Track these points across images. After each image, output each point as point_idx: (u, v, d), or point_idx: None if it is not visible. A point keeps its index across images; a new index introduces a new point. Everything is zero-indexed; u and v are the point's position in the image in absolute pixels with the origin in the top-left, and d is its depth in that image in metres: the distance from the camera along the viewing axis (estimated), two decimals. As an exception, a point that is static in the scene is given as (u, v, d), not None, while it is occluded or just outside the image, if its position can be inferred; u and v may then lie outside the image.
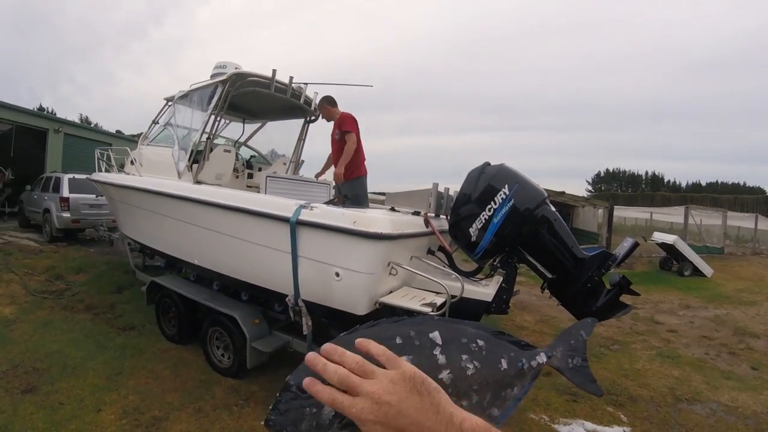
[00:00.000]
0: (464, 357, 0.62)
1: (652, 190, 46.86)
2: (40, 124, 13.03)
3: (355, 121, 3.92)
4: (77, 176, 8.85)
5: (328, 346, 0.49)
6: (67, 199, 8.55)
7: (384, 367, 0.47)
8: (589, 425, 3.17)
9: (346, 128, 3.86)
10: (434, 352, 0.61)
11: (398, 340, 0.61)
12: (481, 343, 0.65)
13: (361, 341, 0.50)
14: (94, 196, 8.35)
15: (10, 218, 11.43)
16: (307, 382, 0.47)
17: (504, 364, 0.65)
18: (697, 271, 10.31)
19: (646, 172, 55.76)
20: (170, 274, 4.43)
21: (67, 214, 8.52)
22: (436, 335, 0.62)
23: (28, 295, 5.17)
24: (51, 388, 3.06)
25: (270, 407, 0.56)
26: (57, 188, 8.82)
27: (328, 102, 4.08)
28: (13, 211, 11.47)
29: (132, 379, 3.30)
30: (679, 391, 3.75)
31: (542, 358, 0.69)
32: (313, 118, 4.96)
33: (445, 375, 0.59)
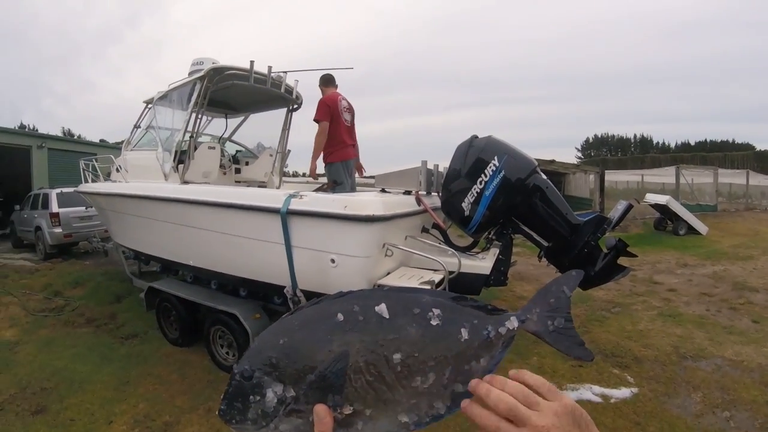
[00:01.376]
0: (416, 330, 0.56)
1: (641, 152, 46.69)
2: (22, 142, 12.82)
3: (329, 106, 3.72)
4: (65, 190, 8.72)
5: (489, 377, 0.51)
6: (57, 215, 8.44)
7: (544, 398, 0.48)
8: (597, 389, 3.20)
9: (315, 117, 3.72)
10: (381, 327, 0.55)
11: (340, 317, 0.56)
12: (436, 312, 0.57)
13: (516, 373, 0.51)
14: (83, 208, 8.23)
15: (3, 240, 11.29)
16: (466, 405, 0.50)
17: (465, 334, 0.57)
18: (692, 230, 10.37)
19: (635, 136, 55.52)
20: (167, 278, 4.40)
21: (58, 230, 8.42)
22: (382, 308, 0.57)
23: (28, 315, 5.12)
24: (60, 406, 3.05)
25: (221, 397, 0.54)
26: (46, 204, 8.70)
27: (321, 81, 3.94)
28: (5, 232, 11.33)
29: (140, 387, 3.30)
30: (683, 349, 3.79)
31: (513, 323, 0.59)
32: (295, 106, 4.89)
33: (395, 354, 0.53)
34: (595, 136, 56.84)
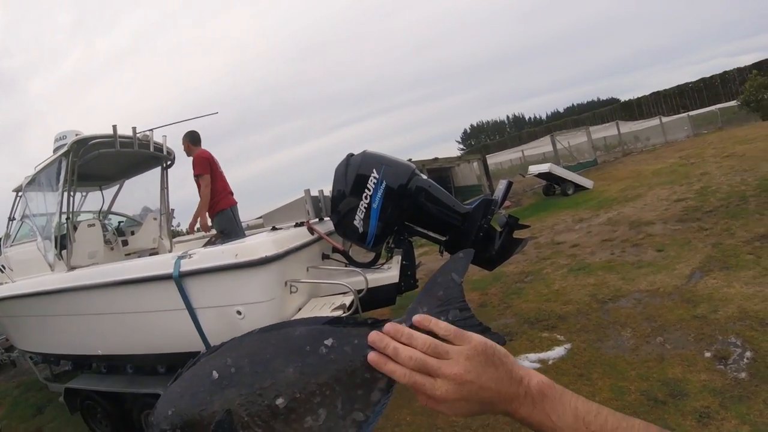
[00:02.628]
0: (293, 368, 0.53)
1: (517, 131, 50.22)
2: None
3: (207, 159, 3.87)
4: None
5: (391, 326, 0.49)
6: (-51, 335, 7.39)
7: (452, 344, 0.47)
8: (533, 356, 3.32)
9: (196, 172, 3.83)
10: (255, 376, 0.53)
11: (215, 375, 0.54)
12: (311, 344, 0.54)
13: (421, 318, 0.50)
14: None
15: None
16: (374, 358, 0.48)
17: (348, 357, 0.53)
18: (579, 188, 11.01)
19: (508, 117, 60.07)
20: (82, 375, 4.02)
21: (-44, 350, 7.38)
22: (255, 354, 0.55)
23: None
24: None
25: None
26: (-66, 326, 7.58)
27: (188, 139, 4.00)
28: None
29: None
30: (600, 295, 3.99)
31: None
32: (168, 163, 4.70)
33: (277, 399, 0.51)
34: (472, 125, 60.70)
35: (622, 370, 2.80)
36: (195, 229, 3.80)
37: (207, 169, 3.80)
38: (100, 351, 3.26)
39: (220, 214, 3.82)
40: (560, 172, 11.11)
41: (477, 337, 0.48)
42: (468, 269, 0.63)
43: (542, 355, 3.32)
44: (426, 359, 0.46)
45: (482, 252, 2.86)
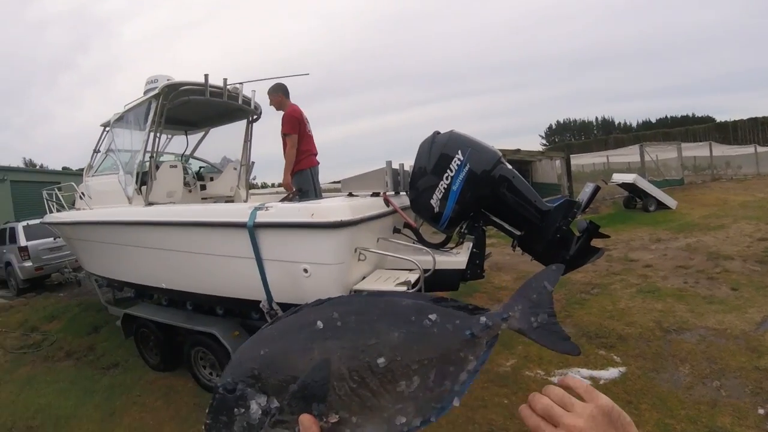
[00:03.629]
0: (397, 333, 0.55)
1: (604, 134, 47.49)
2: (-18, 176, 12.36)
3: (295, 117, 3.78)
4: (31, 222, 8.44)
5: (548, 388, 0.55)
6: (25, 248, 8.17)
7: (582, 399, 0.51)
8: (585, 371, 3.21)
9: (283, 131, 3.76)
10: (361, 333, 0.55)
11: (319, 325, 0.55)
12: (417, 315, 0.57)
13: (562, 379, 0.55)
14: (52, 239, 8.00)
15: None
16: (521, 408, 0.54)
17: (448, 335, 0.57)
18: (661, 205, 10.52)
19: (596, 118, 56.57)
20: (142, 303, 4.30)
21: (29, 264, 8.16)
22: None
23: (6, 354, 4.96)
24: None
25: (206, 411, 0.54)
26: (13, 239, 8.41)
27: (282, 91, 3.92)
28: None
29: (126, 416, 3.22)
30: (665, 323, 3.81)
31: (496, 321, 0.59)
32: (255, 117, 4.80)
33: (378, 358, 0.53)
34: (558, 121, 57.85)
35: (672, 407, 2.68)
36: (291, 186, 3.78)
37: (296, 129, 3.71)
38: (164, 285, 3.43)
39: (299, 174, 3.80)
40: (645, 185, 10.58)
41: (605, 399, 0.50)
42: (558, 279, 0.69)
43: (595, 373, 3.20)
44: (552, 407, 0.50)
45: (556, 255, 2.72)
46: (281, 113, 3.88)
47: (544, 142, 55.36)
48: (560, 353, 0.65)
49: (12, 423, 3.28)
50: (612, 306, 4.40)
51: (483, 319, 0.59)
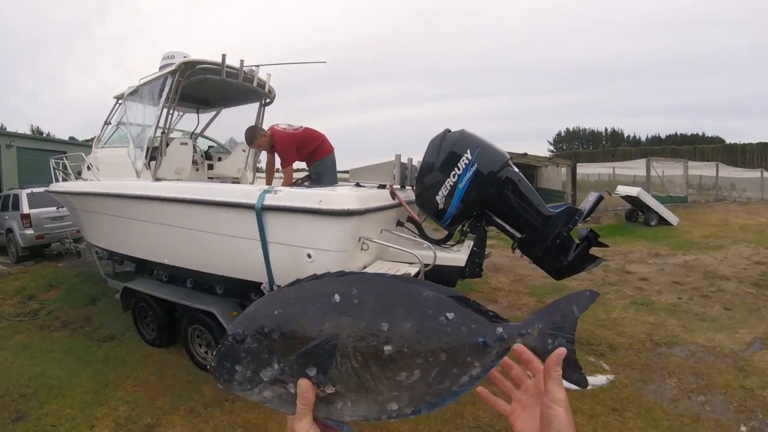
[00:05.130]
0: (410, 324, 0.54)
1: (612, 146, 47.19)
2: (-12, 141, 12.35)
3: (286, 142, 3.76)
4: (35, 190, 8.42)
5: None
6: (28, 216, 8.14)
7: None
8: (573, 377, 3.27)
9: (284, 167, 3.83)
10: (375, 316, 0.54)
11: (336, 298, 0.55)
12: (435, 310, 0.56)
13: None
14: (55, 208, 7.98)
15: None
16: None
17: (460, 336, 0.56)
18: (662, 221, 10.59)
19: (606, 129, 55.98)
20: (142, 278, 4.31)
21: (30, 231, 8.13)
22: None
23: (2, 320, 4.97)
24: (41, 411, 2.99)
25: (214, 353, 0.59)
26: (17, 205, 8.37)
27: (252, 136, 3.95)
28: None
29: (119, 389, 3.25)
30: (656, 336, 3.87)
31: (511, 334, 0.57)
32: (268, 100, 4.83)
33: (386, 345, 0.53)
34: (567, 129, 57.27)
35: (656, 418, 2.74)
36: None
37: (294, 155, 3.74)
38: (167, 260, 3.47)
39: (319, 163, 3.84)
40: (648, 200, 10.67)
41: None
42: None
43: (583, 379, 3.24)
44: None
45: (554, 260, 2.77)
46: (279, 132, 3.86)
47: (552, 148, 55.09)
48: (568, 382, 0.61)
49: (5, 389, 3.30)
50: (605, 315, 4.46)
51: (500, 329, 0.57)
